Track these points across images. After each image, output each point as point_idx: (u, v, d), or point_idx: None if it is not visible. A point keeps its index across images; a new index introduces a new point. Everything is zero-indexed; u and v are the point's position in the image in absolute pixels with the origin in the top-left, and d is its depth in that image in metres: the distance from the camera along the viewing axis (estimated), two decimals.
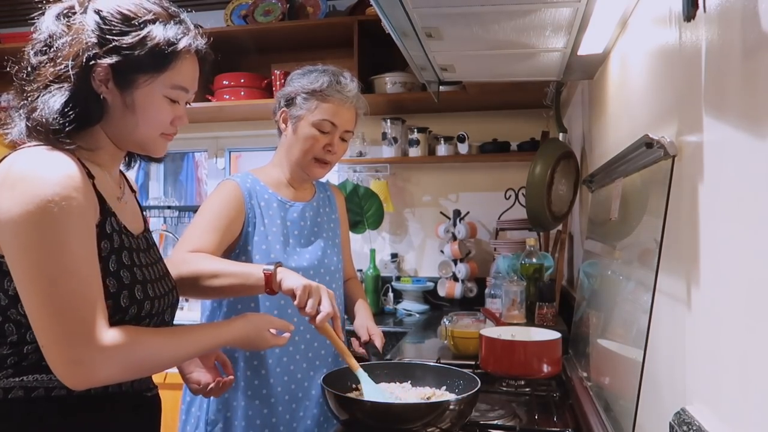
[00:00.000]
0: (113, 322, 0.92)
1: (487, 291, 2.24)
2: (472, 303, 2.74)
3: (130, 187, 1.14)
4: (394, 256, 3.12)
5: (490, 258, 2.87)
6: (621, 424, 1.01)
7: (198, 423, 1.49)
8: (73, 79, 0.92)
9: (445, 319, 1.89)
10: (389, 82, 2.88)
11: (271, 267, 1.26)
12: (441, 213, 3.02)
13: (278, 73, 2.91)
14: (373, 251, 2.97)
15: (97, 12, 0.94)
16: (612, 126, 1.52)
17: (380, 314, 2.86)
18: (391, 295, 2.97)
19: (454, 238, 2.87)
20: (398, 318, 2.79)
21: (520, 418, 1.32)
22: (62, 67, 0.92)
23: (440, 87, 2.05)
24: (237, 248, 1.48)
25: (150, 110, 0.98)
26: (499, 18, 1.29)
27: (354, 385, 1.25)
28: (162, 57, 0.96)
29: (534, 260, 2.20)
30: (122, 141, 1.02)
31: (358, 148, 3.05)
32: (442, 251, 2.95)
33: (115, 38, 0.93)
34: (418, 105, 2.94)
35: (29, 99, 0.94)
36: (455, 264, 2.88)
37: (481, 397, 1.32)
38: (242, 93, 2.98)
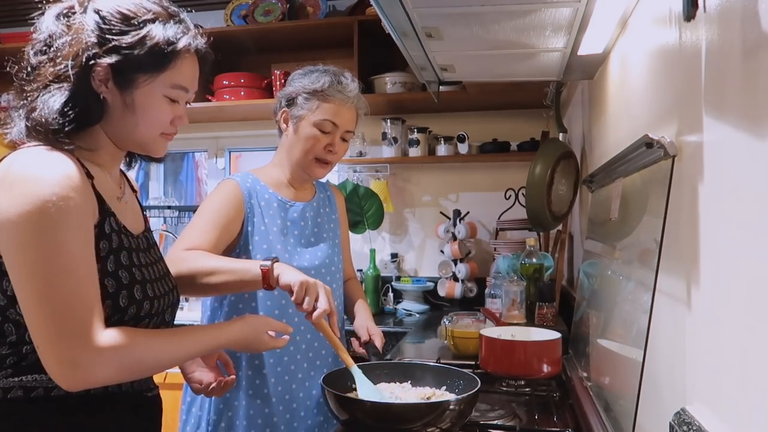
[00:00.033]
0: (112, 323, 0.92)
1: (487, 291, 2.24)
2: (472, 303, 2.74)
3: (131, 186, 1.14)
4: (394, 256, 3.12)
5: (490, 258, 2.87)
6: (621, 424, 1.01)
7: (199, 423, 1.49)
8: (72, 79, 0.92)
9: (445, 319, 1.89)
10: (389, 82, 2.88)
11: (268, 263, 1.26)
12: (441, 213, 3.02)
13: (278, 73, 2.91)
14: (373, 251, 2.97)
15: (97, 12, 0.94)
16: (612, 126, 1.52)
17: (380, 314, 2.86)
18: (391, 295, 2.96)
19: (454, 238, 2.87)
20: (398, 318, 2.79)
21: (520, 418, 1.32)
22: (62, 66, 0.92)
23: (440, 87, 2.05)
24: (237, 248, 1.48)
25: (150, 110, 0.98)
26: (499, 18, 1.29)
27: (354, 385, 1.25)
28: (162, 56, 0.96)
29: (534, 260, 2.20)
30: (122, 141, 1.01)
31: (358, 148, 3.05)
32: (442, 251, 2.95)
33: (115, 38, 0.93)
34: (418, 105, 2.94)
35: (29, 99, 0.94)
36: (455, 264, 2.88)
37: (481, 397, 1.32)
38: (242, 93, 2.98)
